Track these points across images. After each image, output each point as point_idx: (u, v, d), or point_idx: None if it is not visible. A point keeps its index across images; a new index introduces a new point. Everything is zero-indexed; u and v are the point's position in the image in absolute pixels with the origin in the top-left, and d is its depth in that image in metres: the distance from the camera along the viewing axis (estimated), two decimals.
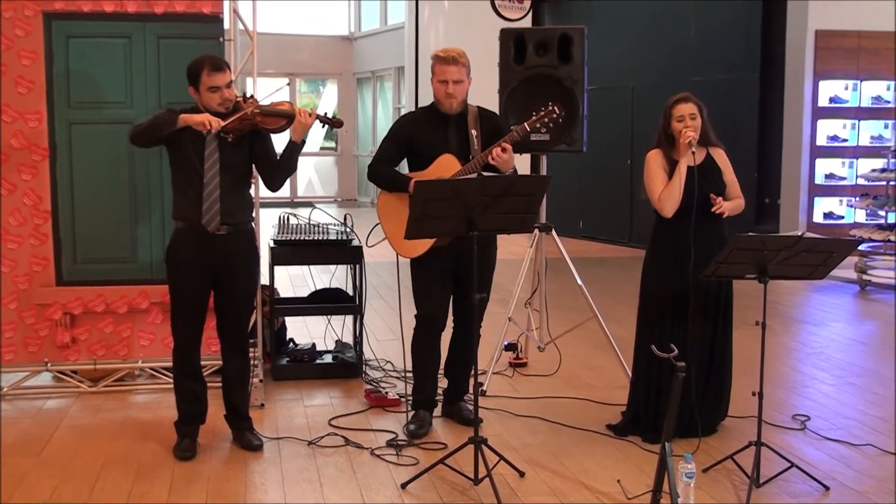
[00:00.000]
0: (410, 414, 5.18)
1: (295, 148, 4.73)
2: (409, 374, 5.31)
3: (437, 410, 5.28)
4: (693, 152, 4.61)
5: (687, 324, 4.72)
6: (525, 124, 4.86)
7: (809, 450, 4.86)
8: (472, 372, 4.59)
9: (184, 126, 4.48)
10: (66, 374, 5.79)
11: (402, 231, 4.63)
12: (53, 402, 5.64)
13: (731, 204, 4.78)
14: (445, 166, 4.87)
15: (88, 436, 5.03)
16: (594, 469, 4.59)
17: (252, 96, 4.77)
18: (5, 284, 5.54)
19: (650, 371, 4.88)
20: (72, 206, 5.58)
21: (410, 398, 5.23)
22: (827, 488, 4.33)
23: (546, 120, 4.89)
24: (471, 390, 5.01)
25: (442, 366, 5.28)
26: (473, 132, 4.94)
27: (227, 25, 5.66)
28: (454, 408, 5.25)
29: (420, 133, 5.00)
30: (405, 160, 5.11)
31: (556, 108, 4.88)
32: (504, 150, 4.75)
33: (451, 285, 5.05)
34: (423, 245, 4.84)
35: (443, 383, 5.31)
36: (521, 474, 4.48)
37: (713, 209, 4.67)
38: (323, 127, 4.94)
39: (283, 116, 4.70)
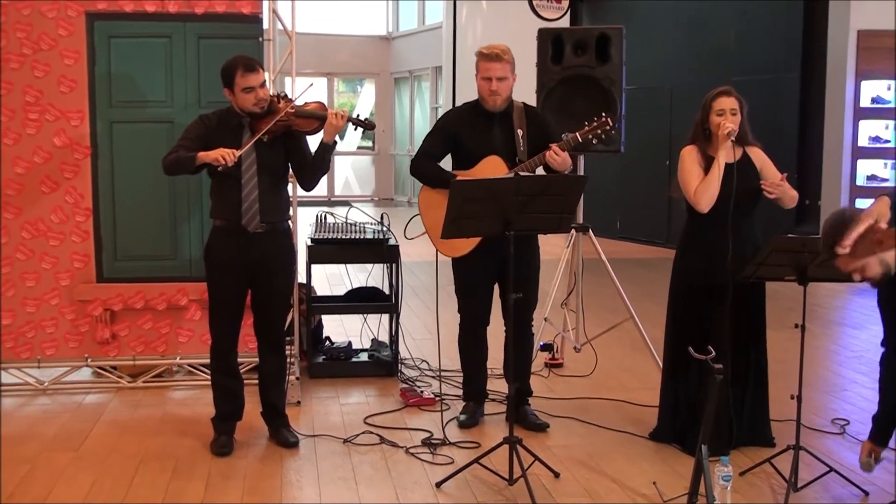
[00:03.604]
0: (461, 405, 5.30)
1: (326, 149, 4.75)
2: (444, 374, 5.53)
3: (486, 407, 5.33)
4: (732, 140, 4.50)
5: (718, 324, 4.64)
6: (577, 134, 4.86)
7: (848, 454, 4.81)
8: (514, 373, 4.59)
9: (202, 163, 4.51)
10: (105, 370, 5.87)
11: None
12: (93, 397, 5.71)
13: (786, 184, 4.63)
14: (491, 169, 4.86)
15: (127, 431, 5.09)
16: (630, 471, 4.57)
17: (286, 95, 4.80)
18: (47, 281, 5.62)
19: (676, 373, 4.83)
20: (113, 203, 5.64)
21: (443, 396, 5.26)
22: (866, 493, 4.29)
23: (598, 131, 4.86)
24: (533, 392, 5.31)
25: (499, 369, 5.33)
26: (519, 131, 4.92)
27: (266, 25, 5.69)
28: (520, 412, 5.15)
29: (464, 130, 5.00)
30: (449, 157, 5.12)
31: (609, 119, 4.86)
32: (557, 153, 4.76)
33: (492, 282, 5.10)
34: (466, 245, 4.85)
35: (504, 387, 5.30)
36: (556, 475, 4.48)
37: (768, 192, 4.56)
38: (355, 129, 4.93)
39: (316, 118, 4.72)
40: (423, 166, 5.03)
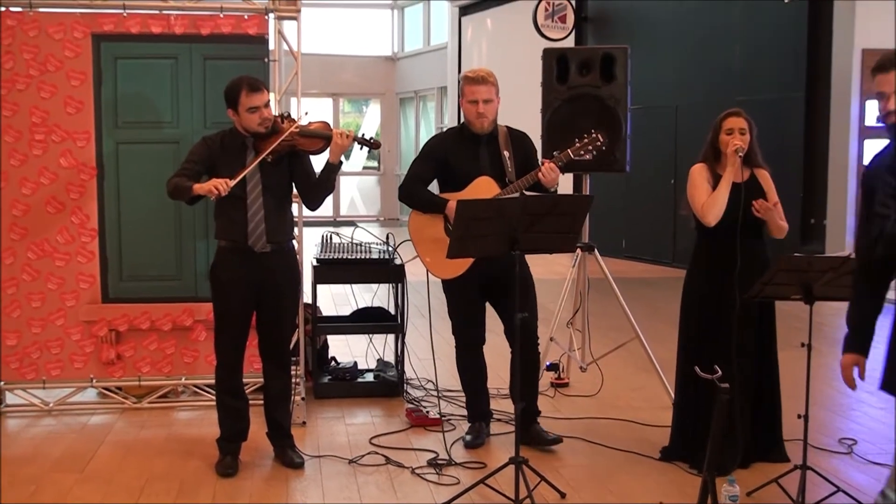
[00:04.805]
0: (467, 426, 5.30)
1: (332, 169, 4.77)
2: (445, 394, 5.64)
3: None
4: (740, 156, 4.57)
5: (728, 341, 4.64)
6: (569, 150, 4.90)
7: (856, 474, 4.78)
8: (521, 393, 4.57)
9: (197, 195, 4.52)
10: (110, 391, 5.86)
11: (436, 251, 4.72)
12: (98, 417, 5.70)
13: (777, 212, 4.68)
14: (483, 189, 4.89)
15: (132, 452, 5.08)
16: (636, 491, 4.55)
17: (289, 115, 4.82)
18: (53, 301, 5.62)
19: (687, 391, 4.82)
20: (118, 224, 5.65)
21: (447, 416, 5.26)
22: None
23: (590, 147, 4.90)
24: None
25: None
26: (506, 153, 4.98)
27: (272, 46, 5.72)
28: (531, 432, 5.14)
29: (452, 154, 5.04)
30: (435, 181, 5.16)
31: (599, 135, 4.90)
32: (552, 170, 4.79)
33: (484, 301, 5.12)
34: (459, 266, 4.85)
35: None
36: (563, 495, 4.46)
37: (756, 210, 4.60)
38: (361, 148, 4.96)
39: (321, 137, 4.74)
40: (414, 191, 5.06)
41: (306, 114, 4.88)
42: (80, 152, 5.58)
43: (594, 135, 4.90)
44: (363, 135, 4.88)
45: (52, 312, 5.63)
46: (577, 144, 4.90)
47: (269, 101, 4.69)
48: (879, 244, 3.42)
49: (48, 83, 5.52)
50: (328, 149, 4.74)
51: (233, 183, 4.48)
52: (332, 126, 4.83)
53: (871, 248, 3.45)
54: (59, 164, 5.57)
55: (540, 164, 4.88)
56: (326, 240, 6.39)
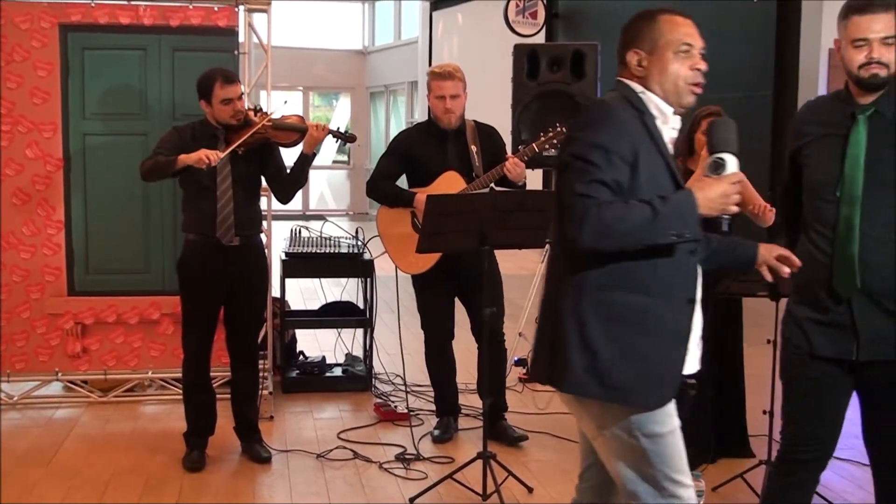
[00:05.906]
0: (435, 420, 5.31)
1: (306, 161, 4.75)
2: (413, 389, 5.68)
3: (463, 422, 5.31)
4: None
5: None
6: (534, 144, 4.91)
7: None
8: (488, 388, 4.58)
9: (184, 166, 4.46)
10: (76, 384, 5.81)
11: (404, 246, 4.73)
12: (63, 411, 5.65)
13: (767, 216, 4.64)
14: (450, 184, 4.90)
15: (98, 446, 5.04)
16: None
17: (261, 108, 4.80)
18: (18, 294, 5.56)
19: None
20: (85, 216, 5.60)
21: (415, 411, 5.27)
22: None
23: (555, 140, 4.91)
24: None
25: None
26: (473, 148, 4.98)
27: (241, 38, 5.69)
28: (497, 428, 5.15)
29: (419, 148, 5.04)
30: (403, 176, 5.17)
31: (564, 129, 4.91)
32: (517, 164, 4.79)
33: (453, 296, 5.14)
34: (426, 261, 4.86)
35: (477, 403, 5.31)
36: (530, 490, 4.47)
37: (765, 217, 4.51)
38: (336, 142, 4.96)
39: (296, 130, 4.73)
40: (380, 186, 5.07)
41: (286, 102, 4.86)
42: (47, 143, 5.52)
43: (559, 129, 4.90)
44: (338, 128, 4.88)
45: (17, 305, 5.57)
46: (543, 139, 4.91)
47: (242, 93, 4.67)
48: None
49: (14, 73, 5.45)
50: (300, 142, 4.73)
51: (222, 155, 4.45)
52: (305, 119, 4.82)
53: None
54: (25, 156, 5.51)
55: (503, 161, 4.90)
56: (295, 234, 6.37)
